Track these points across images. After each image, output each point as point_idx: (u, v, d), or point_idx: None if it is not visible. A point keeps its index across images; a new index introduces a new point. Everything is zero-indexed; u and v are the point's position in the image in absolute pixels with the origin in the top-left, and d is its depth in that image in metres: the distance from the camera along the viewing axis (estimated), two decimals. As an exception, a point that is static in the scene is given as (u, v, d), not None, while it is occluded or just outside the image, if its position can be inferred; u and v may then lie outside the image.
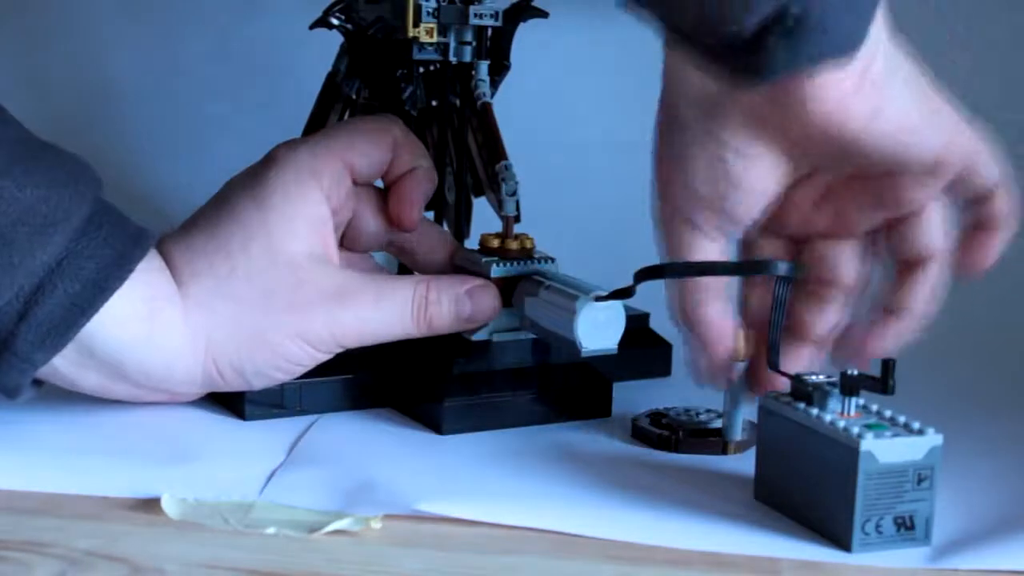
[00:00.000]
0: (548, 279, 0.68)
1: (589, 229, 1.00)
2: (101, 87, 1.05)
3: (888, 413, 0.57)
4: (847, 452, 0.55)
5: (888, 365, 0.57)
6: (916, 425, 0.56)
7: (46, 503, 0.58)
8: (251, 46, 1.05)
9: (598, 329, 0.65)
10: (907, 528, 0.55)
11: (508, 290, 0.70)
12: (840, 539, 0.56)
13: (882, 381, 0.57)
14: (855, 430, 0.55)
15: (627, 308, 0.67)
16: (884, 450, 0.55)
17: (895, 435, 0.55)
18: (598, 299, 0.65)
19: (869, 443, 0.54)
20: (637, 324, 0.81)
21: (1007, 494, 0.63)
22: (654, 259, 0.63)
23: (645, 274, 0.63)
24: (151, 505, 0.57)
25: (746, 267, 0.59)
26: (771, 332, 0.58)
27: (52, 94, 1.05)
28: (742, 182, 0.59)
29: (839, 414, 0.57)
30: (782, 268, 0.58)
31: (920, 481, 0.55)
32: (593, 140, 1.05)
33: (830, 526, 0.56)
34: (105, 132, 1.05)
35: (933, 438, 0.55)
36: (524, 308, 0.69)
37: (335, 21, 0.74)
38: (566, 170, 1.03)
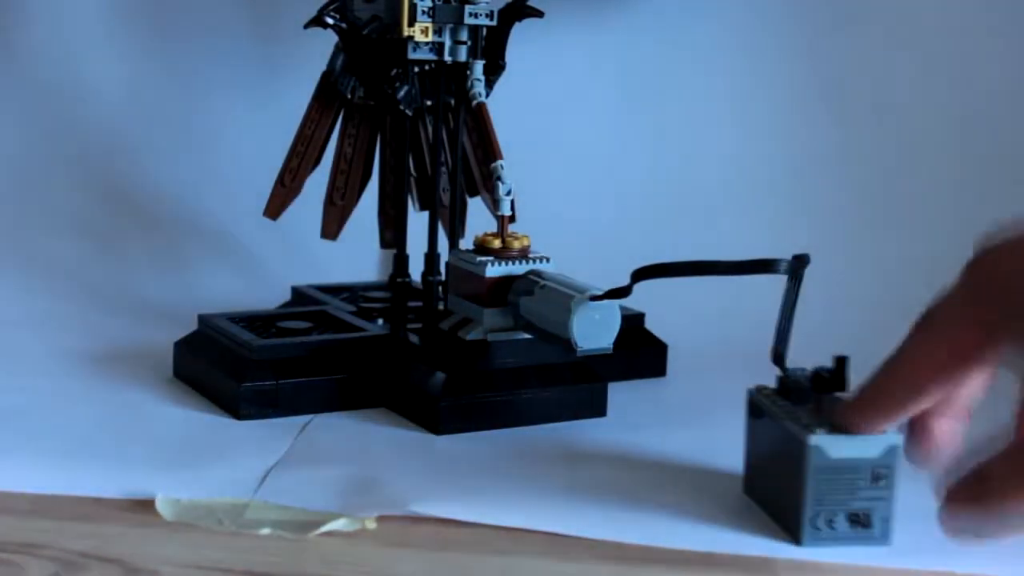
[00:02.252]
0: (543, 278, 0.68)
1: (585, 228, 1.00)
2: (98, 90, 1.05)
3: None
4: (798, 445, 0.55)
5: (841, 362, 0.57)
6: None
7: (39, 504, 0.57)
8: (246, 45, 1.05)
9: (593, 329, 0.65)
10: (862, 525, 0.55)
11: (503, 290, 0.70)
12: (792, 532, 0.56)
13: (837, 378, 0.57)
14: (811, 424, 0.55)
15: (623, 308, 0.67)
16: (835, 445, 0.54)
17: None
18: (593, 299, 0.65)
19: (819, 438, 0.54)
20: (633, 324, 0.81)
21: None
22: (650, 259, 0.63)
23: (642, 274, 0.62)
24: (145, 506, 0.57)
25: (748, 266, 0.59)
26: (780, 323, 0.58)
27: (51, 97, 1.05)
28: None
29: (816, 409, 0.57)
30: (783, 267, 0.58)
31: (876, 479, 0.55)
32: (588, 139, 1.05)
33: (785, 519, 0.57)
34: (102, 134, 1.05)
35: (891, 437, 0.55)
36: (519, 308, 0.69)
37: (330, 20, 0.74)
38: (561, 169, 1.03)
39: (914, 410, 0.54)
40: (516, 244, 0.71)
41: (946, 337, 0.52)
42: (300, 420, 0.70)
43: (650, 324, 0.83)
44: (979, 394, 0.55)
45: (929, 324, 0.53)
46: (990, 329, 0.51)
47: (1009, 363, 0.51)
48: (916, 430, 0.56)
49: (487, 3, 0.74)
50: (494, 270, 0.70)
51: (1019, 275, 0.50)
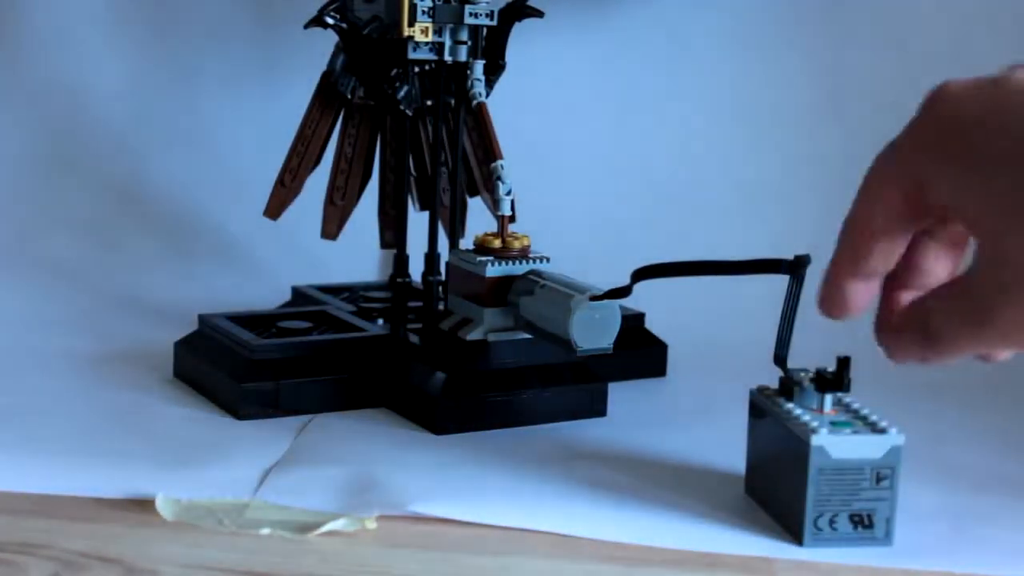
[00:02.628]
0: (543, 278, 0.68)
1: (585, 229, 1.00)
2: (98, 90, 1.05)
3: (864, 411, 0.57)
4: (801, 446, 0.55)
5: (843, 363, 0.57)
6: (882, 424, 0.56)
7: (39, 504, 0.57)
8: (246, 45, 1.05)
9: (593, 329, 0.65)
10: (864, 526, 0.55)
11: (503, 290, 0.70)
12: (794, 532, 0.56)
13: (837, 378, 0.57)
14: (813, 425, 0.55)
15: (623, 308, 0.67)
16: (838, 446, 0.54)
17: (854, 432, 0.55)
18: (593, 299, 0.65)
19: (822, 438, 0.54)
20: (633, 324, 0.81)
21: (985, 494, 0.63)
22: (650, 259, 0.63)
23: (642, 274, 0.62)
24: (145, 506, 0.57)
25: (748, 266, 0.59)
26: (782, 324, 0.58)
27: (51, 98, 1.05)
28: None
29: (815, 410, 0.57)
30: (784, 267, 0.58)
31: (879, 480, 0.55)
32: (588, 139, 1.05)
33: (787, 519, 0.57)
34: (102, 133, 1.05)
35: (894, 438, 0.55)
36: (519, 308, 0.69)
37: (330, 20, 0.74)
38: (561, 169, 1.03)
39: (870, 274, 0.54)
40: (516, 244, 0.71)
41: (880, 195, 0.53)
42: (300, 420, 0.70)
43: (650, 324, 0.83)
44: (946, 271, 0.55)
45: (869, 178, 0.54)
46: (924, 179, 0.51)
47: (952, 209, 0.51)
48: (881, 305, 0.56)
49: (487, 3, 0.74)
50: (494, 270, 0.70)
51: (972, 120, 0.50)
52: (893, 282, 0.55)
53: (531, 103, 1.01)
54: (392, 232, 0.81)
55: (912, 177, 0.52)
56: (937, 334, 0.51)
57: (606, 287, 0.65)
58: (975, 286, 0.50)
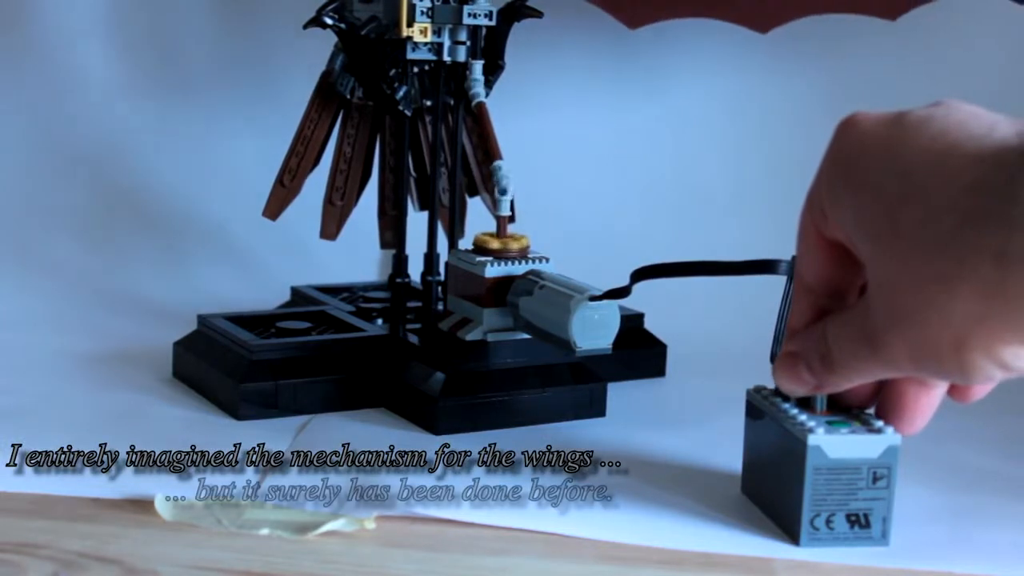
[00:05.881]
0: (543, 279, 0.68)
1: (585, 228, 1.00)
2: (98, 90, 1.05)
3: (861, 412, 0.57)
4: (798, 445, 0.55)
5: None
6: (879, 424, 0.56)
7: (38, 504, 0.58)
8: (245, 45, 1.05)
9: (593, 329, 0.65)
10: (861, 526, 0.55)
11: (502, 290, 0.70)
12: (791, 532, 0.56)
13: None
14: (809, 424, 0.55)
15: (622, 308, 0.67)
16: (835, 446, 0.55)
17: (851, 432, 0.55)
18: (593, 299, 0.65)
19: (819, 438, 0.54)
20: (632, 324, 0.81)
21: (978, 494, 0.63)
22: (650, 259, 0.63)
23: (642, 274, 0.62)
24: (144, 506, 0.57)
25: (748, 267, 0.59)
26: (779, 325, 0.58)
27: (51, 98, 1.05)
28: None
29: (811, 410, 0.57)
30: (783, 268, 0.58)
31: (876, 480, 0.55)
32: (588, 140, 1.05)
33: (784, 519, 0.57)
34: (101, 134, 1.05)
35: (890, 437, 0.55)
36: (519, 308, 0.69)
37: (328, 20, 0.74)
38: (561, 170, 1.03)
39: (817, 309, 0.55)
40: (515, 244, 0.71)
41: (802, 227, 0.55)
42: (299, 420, 0.70)
43: (650, 324, 0.83)
44: None
45: (799, 225, 0.55)
46: (824, 206, 0.52)
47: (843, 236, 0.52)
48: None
49: (486, 3, 0.74)
50: (494, 270, 0.70)
51: (868, 150, 0.50)
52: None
53: (531, 103, 1.01)
54: (391, 232, 0.81)
55: (819, 208, 0.53)
56: (831, 356, 0.53)
57: (606, 287, 0.65)
58: (869, 311, 0.50)
